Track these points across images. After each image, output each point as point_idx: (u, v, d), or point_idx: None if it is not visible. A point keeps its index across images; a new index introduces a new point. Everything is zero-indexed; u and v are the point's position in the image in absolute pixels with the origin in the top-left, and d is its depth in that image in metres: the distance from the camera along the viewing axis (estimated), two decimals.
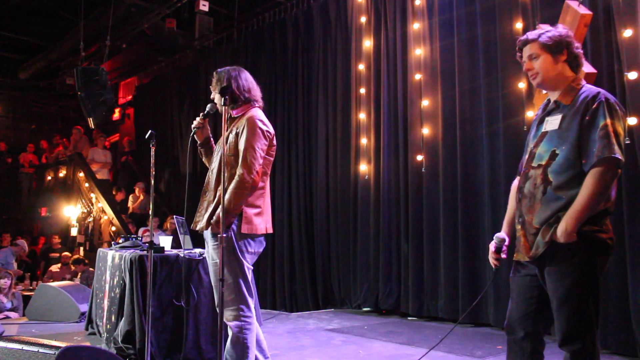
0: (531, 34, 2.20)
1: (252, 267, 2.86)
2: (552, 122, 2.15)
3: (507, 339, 2.23)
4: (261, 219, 2.85)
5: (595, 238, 2.00)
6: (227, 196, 2.70)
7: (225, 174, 2.73)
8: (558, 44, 2.14)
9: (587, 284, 2.00)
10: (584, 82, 2.18)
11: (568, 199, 2.02)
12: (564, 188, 2.04)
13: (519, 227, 2.19)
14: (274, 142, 2.94)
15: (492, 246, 2.29)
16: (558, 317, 2.02)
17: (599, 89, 2.11)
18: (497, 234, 2.29)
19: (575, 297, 1.99)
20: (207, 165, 3.11)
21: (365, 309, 6.03)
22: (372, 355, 4.02)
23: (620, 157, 1.97)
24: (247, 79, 2.96)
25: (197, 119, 3.01)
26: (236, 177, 2.74)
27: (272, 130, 2.92)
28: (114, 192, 9.96)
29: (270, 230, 2.93)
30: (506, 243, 2.28)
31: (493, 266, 2.29)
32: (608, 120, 2.00)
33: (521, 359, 2.14)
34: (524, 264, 2.17)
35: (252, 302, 2.81)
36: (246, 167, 2.74)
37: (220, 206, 2.59)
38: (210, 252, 2.86)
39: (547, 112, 2.20)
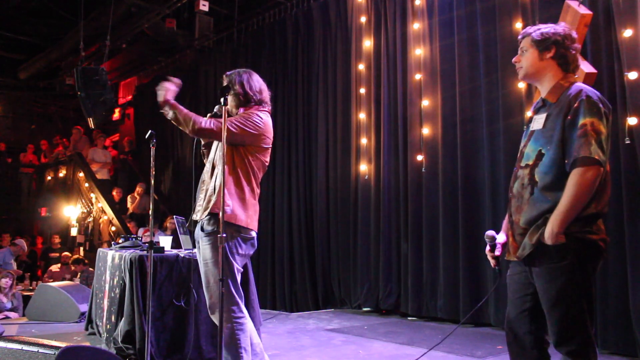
0: (529, 29, 2.23)
1: (241, 269, 2.87)
2: (538, 121, 2.15)
3: (506, 340, 2.20)
4: (254, 217, 2.87)
5: (585, 239, 1.99)
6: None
7: (227, 171, 2.74)
8: (546, 40, 2.14)
9: (578, 285, 1.99)
10: (574, 81, 2.16)
11: (554, 200, 2.01)
12: (550, 189, 2.04)
13: (508, 226, 2.20)
14: (268, 144, 2.94)
15: (487, 246, 2.30)
16: (550, 319, 2.02)
17: (583, 87, 2.07)
18: (487, 233, 2.29)
19: (567, 298, 1.98)
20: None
21: (365, 309, 6.03)
22: (372, 355, 4.02)
23: (596, 157, 1.94)
24: (259, 81, 3.01)
25: None
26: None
27: (269, 133, 2.93)
28: (113, 193, 9.96)
29: (256, 229, 2.93)
30: (497, 240, 2.27)
31: (492, 265, 2.29)
32: (587, 119, 1.97)
33: (522, 357, 2.13)
34: (520, 264, 2.17)
35: (242, 303, 2.82)
36: (214, 119, 2.79)
37: (222, 204, 2.58)
38: (202, 252, 2.85)
39: (535, 110, 2.21)
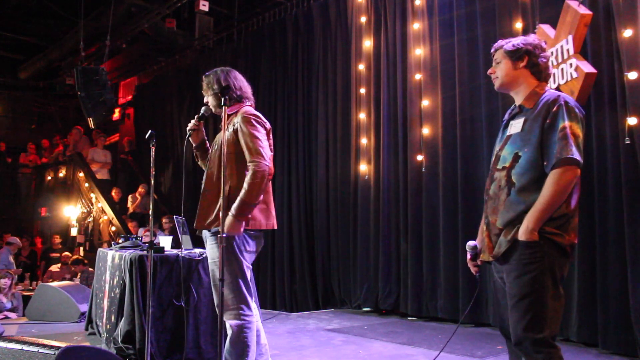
0: (500, 42, 2.32)
1: (251, 267, 2.87)
2: (516, 126, 2.22)
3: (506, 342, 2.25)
4: (264, 214, 2.86)
5: (554, 242, 2.05)
6: (245, 187, 2.70)
7: (226, 172, 2.74)
8: (518, 51, 2.24)
9: (544, 283, 2.03)
10: (548, 88, 2.25)
11: (530, 202, 2.07)
12: (526, 190, 2.10)
13: (484, 228, 2.27)
14: (271, 136, 2.95)
15: (468, 255, 2.35)
16: (520, 308, 2.04)
17: (560, 93, 2.17)
18: (469, 243, 2.34)
19: (539, 289, 2.02)
20: (203, 167, 3.12)
21: (365, 309, 6.03)
22: (372, 355, 4.02)
23: (577, 158, 2.03)
24: (237, 77, 3.00)
25: (192, 121, 3.05)
26: (251, 169, 2.74)
27: (267, 123, 2.94)
28: (112, 193, 9.96)
29: (275, 226, 2.94)
30: (478, 249, 2.32)
31: (474, 273, 2.36)
32: (567, 123, 2.06)
33: (519, 358, 2.15)
34: (496, 266, 2.21)
35: (251, 302, 2.82)
36: (257, 155, 2.75)
37: (222, 205, 2.58)
38: (209, 252, 2.87)
39: (512, 116, 2.29)
